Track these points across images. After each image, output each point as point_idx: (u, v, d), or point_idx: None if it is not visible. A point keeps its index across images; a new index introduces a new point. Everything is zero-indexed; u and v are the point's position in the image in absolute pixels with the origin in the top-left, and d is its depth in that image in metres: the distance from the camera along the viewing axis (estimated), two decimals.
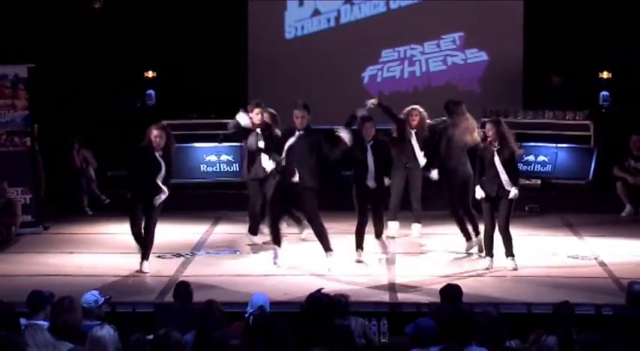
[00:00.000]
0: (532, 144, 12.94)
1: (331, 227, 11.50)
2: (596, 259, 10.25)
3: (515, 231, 10.25)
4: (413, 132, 11.01)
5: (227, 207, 12.21)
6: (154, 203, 9.54)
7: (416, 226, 11.18)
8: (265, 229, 10.44)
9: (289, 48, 14.72)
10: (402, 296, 8.93)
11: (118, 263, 10.10)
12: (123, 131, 13.67)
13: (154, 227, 9.71)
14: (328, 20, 14.76)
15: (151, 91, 14.10)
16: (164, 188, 9.56)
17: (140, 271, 9.67)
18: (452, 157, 10.41)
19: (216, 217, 11.91)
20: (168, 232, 11.29)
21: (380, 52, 14.67)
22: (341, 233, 11.09)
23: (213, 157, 13.17)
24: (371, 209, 10.08)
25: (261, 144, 10.36)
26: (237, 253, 10.60)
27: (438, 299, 7.48)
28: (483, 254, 9.98)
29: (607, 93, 13.66)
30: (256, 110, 10.50)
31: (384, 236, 10.19)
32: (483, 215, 9.80)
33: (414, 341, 6.25)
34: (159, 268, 9.92)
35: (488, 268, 9.73)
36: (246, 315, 7.22)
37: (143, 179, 9.63)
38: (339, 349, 6.43)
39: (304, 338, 6.48)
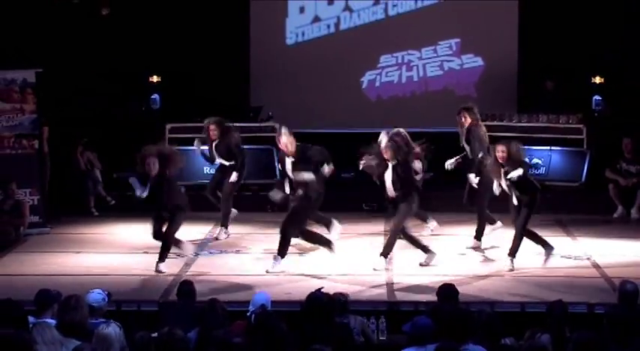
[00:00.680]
0: (526, 147, 12.89)
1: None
2: (588, 259, 10.29)
3: (510, 232, 10.40)
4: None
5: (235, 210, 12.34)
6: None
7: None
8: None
9: (290, 53, 14.80)
10: (400, 295, 8.99)
11: (123, 263, 10.19)
12: (128, 134, 13.84)
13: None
14: (328, 26, 14.85)
15: (156, 96, 14.15)
16: None
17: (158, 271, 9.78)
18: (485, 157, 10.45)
19: (219, 218, 12.03)
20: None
21: (378, 57, 14.75)
22: (340, 234, 11.33)
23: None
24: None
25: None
26: (240, 253, 10.67)
27: (435, 298, 7.52)
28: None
29: (599, 97, 13.67)
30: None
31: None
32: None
33: (412, 339, 6.32)
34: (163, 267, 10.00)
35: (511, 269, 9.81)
36: (248, 314, 7.34)
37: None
38: (338, 347, 6.43)
39: (304, 336, 6.54)
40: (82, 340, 6.28)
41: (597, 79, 13.83)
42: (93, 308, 6.98)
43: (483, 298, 8.77)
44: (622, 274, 9.19)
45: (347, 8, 14.82)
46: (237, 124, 13.49)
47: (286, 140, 9.90)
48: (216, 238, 11.25)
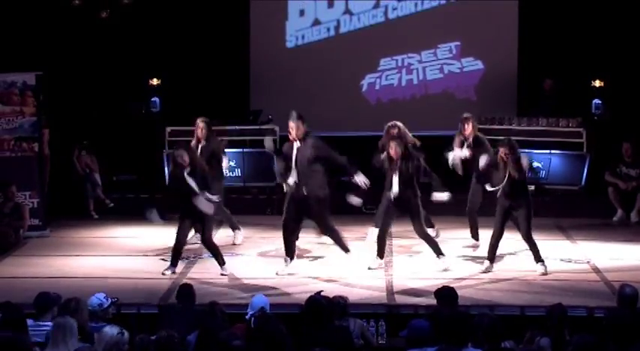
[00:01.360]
0: (526, 150, 12.94)
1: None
2: (588, 262, 10.30)
3: (509, 235, 10.38)
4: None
5: (229, 211, 12.36)
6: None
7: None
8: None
9: (290, 56, 14.83)
10: (399, 298, 8.99)
11: (123, 265, 10.20)
12: (128, 137, 13.89)
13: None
14: (328, 29, 14.89)
15: (156, 99, 14.18)
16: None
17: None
18: None
19: (219, 221, 12.02)
20: (172, 236, 11.47)
21: (378, 60, 14.77)
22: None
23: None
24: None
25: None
26: (239, 255, 10.68)
27: (434, 302, 7.55)
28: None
29: (599, 101, 13.69)
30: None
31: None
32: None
33: (410, 342, 6.33)
34: (163, 270, 10.01)
35: (486, 271, 9.85)
36: (247, 316, 7.34)
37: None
38: (338, 350, 6.49)
39: (304, 339, 6.55)
40: (82, 343, 6.35)
41: (597, 83, 13.85)
42: (92, 312, 7.02)
43: (483, 302, 8.78)
44: (621, 277, 9.20)
45: (347, 11, 14.87)
46: (238, 127, 13.57)
47: (292, 124, 9.74)
48: (234, 243, 11.19)
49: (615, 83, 13.91)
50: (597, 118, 13.70)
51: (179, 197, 9.77)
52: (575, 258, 10.52)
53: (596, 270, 10.02)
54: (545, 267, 9.81)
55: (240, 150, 13.29)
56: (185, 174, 9.69)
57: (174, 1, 14.43)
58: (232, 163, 13.27)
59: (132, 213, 12.01)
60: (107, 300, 7.29)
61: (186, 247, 10.68)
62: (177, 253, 9.89)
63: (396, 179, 9.76)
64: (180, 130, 13.26)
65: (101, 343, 6.25)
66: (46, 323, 6.96)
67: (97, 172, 13.10)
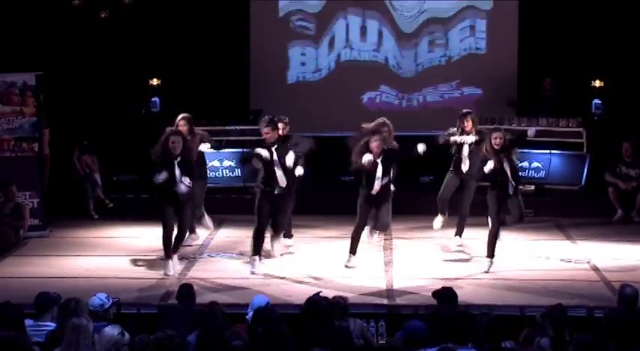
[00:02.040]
0: (526, 150, 12.96)
1: (328, 231, 11.77)
2: (588, 262, 10.31)
3: (509, 235, 10.40)
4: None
5: (229, 211, 12.34)
6: None
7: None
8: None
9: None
10: (399, 298, 9.01)
11: (123, 266, 10.20)
12: (128, 137, 13.89)
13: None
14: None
15: (156, 99, 14.15)
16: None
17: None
18: None
19: (219, 221, 11.98)
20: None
21: (379, 85, 14.79)
22: (340, 237, 11.37)
23: (216, 163, 13.27)
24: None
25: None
26: (239, 255, 10.66)
27: (434, 302, 7.54)
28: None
29: (599, 101, 13.67)
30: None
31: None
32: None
33: (407, 343, 6.35)
34: (163, 270, 10.02)
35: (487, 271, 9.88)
36: (247, 316, 7.37)
37: None
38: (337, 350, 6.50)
39: (303, 340, 6.57)
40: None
41: (597, 83, 13.84)
42: (92, 312, 7.01)
43: (483, 301, 8.79)
44: (622, 277, 9.22)
45: (347, 46, 14.87)
46: (238, 127, 13.58)
47: (265, 129, 9.91)
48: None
49: (615, 83, 13.90)
50: (597, 118, 13.68)
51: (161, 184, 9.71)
52: (575, 258, 10.52)
53: (596, 270, 10.02)
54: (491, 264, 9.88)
55: (240, 150, 13.28)
56: (175, 162, 9.69)
57: (174, 2, 14.43)
58: (232, 163, 13.29)
59: (132, 213, 12.01)
60: (109, 300, 7.29)
61: (187, 247, 10.73)
62: (168, 241, 9.83)
63: (378, 176, 9.78)
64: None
65: (102, 343, 6.26)
66: (46, 323, 6.99)
67: (97, 172, 13.11)
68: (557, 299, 7.77)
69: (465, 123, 10.75)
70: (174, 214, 9.83)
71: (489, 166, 9.80)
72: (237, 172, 13.41)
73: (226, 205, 12.56)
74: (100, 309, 7.15)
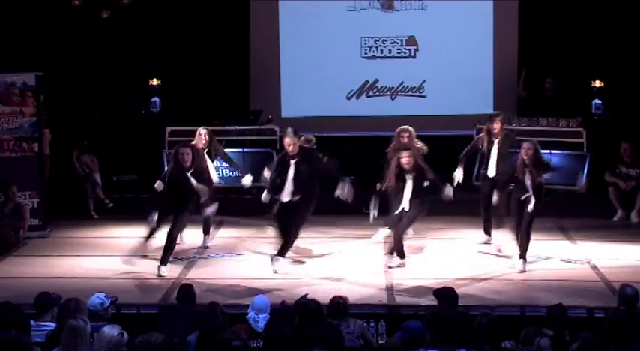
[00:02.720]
0: None
1: (329, 232, 11.77)
2: (588, 262, 10.32)
3: (509, 235, 10.38)
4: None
5: (229, 211, 12.37)
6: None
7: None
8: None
9: (290, 57, 14.84)
10: (399, 298, 9.02)
11: (122, 265, 10.14)
12: (128, 137, 13.90)
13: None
14: None
15: (156, 99, 14.14)
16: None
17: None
18: None
19: (219, 221, 11.99)
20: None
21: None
22: (340, 237, 11.35)
23: (216, 163, 13.32)
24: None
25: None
26: (240, 256, 10.70)
27: (434, 302, 7.55)
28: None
29: (599, 101, 13.66)
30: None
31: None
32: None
33: (406, 344, 6.35)
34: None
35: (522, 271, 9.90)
36: (247, 316, 7.35)
37: None
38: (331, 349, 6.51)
39: (298, 339, 6.60)
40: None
41: (597, 83, 13.84)
42: (93, 312, 7.00)
43: (483, 302, 8.80)
44: (622, 277, 9.22)
45: None
46: (238, 127, 13.58)
47: (289, 141, 9.90)
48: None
49: (615, 83, 13.90)
50: (597, 118, 13.68)
51: (174, 196, 9.77)
52: (575, 258, 10.53)
53: (596, 270, 10.03)
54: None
55: (241, 150, 13.29)
56: (188, 174, 9.72)
57: (174, 2, 14.44)
58: None
59: (132, 213, 12.02)
60: (108, 299, 7.29)
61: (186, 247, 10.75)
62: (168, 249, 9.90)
63: (407, 193, 9.82)
64: (180, 130, 13.25)
65: (101, 344, 6.24)
66: (46, 323, 6.99)
67: (97, 172, 13.13)
68: (557, 299, 7.74)
69: (494, 125, 10.73)
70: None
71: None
72: (238, 173, 13.40)
73: (226, 205, 12.55)
74: (100, 308, 7.14)
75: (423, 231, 11.45)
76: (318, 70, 14.72)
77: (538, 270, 10.02)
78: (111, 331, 6.28)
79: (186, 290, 7.87)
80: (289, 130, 10.05)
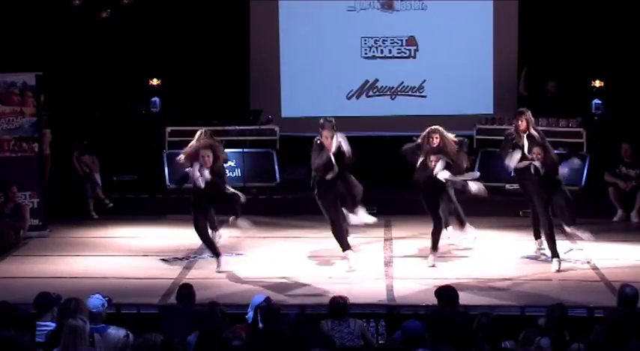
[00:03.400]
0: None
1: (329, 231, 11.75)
2: (588, 262, 10.31)
3: (509, 235, 10.39)
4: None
5: (229, 211, 12.37)
6: None
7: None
8: None
9: (289, 57, 14.86)
10: (399, 298, 9.02)
11: (122, 266, 10.21)
12: (128, 137, 13.90)
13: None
14: None
15: (156, 99, 14.12)
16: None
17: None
18: None
19: (219, 221, 12.07)
20: (172, 236, 11.49)
21: None
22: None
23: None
24: None
25: None
26: (240, 256, 10.71)
27: (434, 301, 7.57)
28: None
29: (599, 101, 13.65)
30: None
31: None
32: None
33: (405, 344, 6.36)
34: (163, 270, 10.05)
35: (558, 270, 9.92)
36: (247, 316, 7.42)
37: None
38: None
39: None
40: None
41: (597, 83, 13.83)
42: (93, 313, 7.00)
43: (483, 302, 8.80)
44: (622, 277, 9.23)
45: None
46: (238, 127, 13.59)
47: (327, 134, 9.98)
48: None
49: (615, 83, 13.91)
50: (597, 118, 13.68)
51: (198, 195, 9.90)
52: (575, 258, 10.52)
53: (596, 270, 10.03)
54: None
55: (240, 150, 13.30)
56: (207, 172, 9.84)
57: (174, 2, 14.45)
58: (232, 163, 13.30)
59: (132, 213, 12.02)
60: (105, 300, 7.28)
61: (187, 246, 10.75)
62: (210, 243, 10.04)
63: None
64: (180, 130, 13.26)
65: (107, 346, 6.27)
66: (46, 323, 7.00)
67: (97, 172, 13.13)
68: (557, 299, 7.75)
69: (520, 122, 10.63)
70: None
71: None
72: (238, 173, 13.43)
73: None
74: (102, 309, 7.15)
75: (424, 231, 11.44)
76: (318, 70, 14.75)
77: (537, 270, 10.02)
78: (117, 333, 6.34)
79: (186, 290, 7.88)
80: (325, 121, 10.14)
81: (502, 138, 10.94)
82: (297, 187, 12.95)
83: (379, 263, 10.33)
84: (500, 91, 14.47)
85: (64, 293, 7.40)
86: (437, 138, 10.13)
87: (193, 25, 14.42)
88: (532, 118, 10.69)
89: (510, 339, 6.77)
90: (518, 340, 6.77)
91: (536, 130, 10.66)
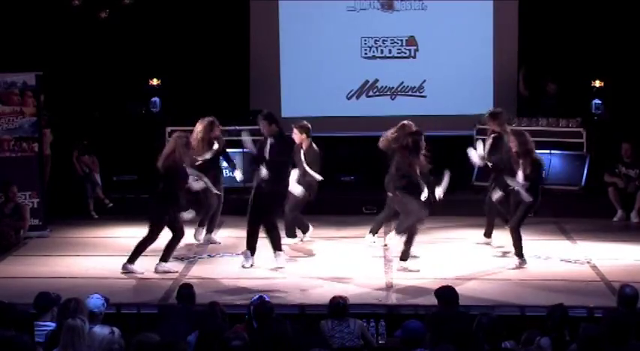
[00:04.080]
0: None
1: (329, 232, 11.76)
2: (588, 262, 10.32)
3: (509, 235, 10.37)
4: None
5: (229, 211, 12.36)
6: None
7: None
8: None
9: (289, 57, 14.87)
10: (399, 298, 9.03)
11: (122, 265, 10.19)
12: (128, 137, 13.90)
13: None
14: None
15: (156, 99, 14.15)
16: None
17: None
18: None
19: (219, 222, 12.06)
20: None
21: None
22: (340, 237, 11.34)
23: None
24: None
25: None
26: (239, 255, 10.63)
27: (434, 301, 7.57)
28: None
29: (599, 101, 13.67)
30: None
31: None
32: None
33: (405, 344, 6.35)
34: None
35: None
36: (246, 316, 7.39)
37: None
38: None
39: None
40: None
41: (597, 84, 13.85)
42: (93, 314, 7.00)
43: (483, 302, 8.80)
44: (621, 277, 9.24)
45: None
46: (238, 127, 13.58)
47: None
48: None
49: (615, 83, 13.92)
50: (597, 118, 13.69)
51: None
52: (575, 258, 10.53)
53: (596, 270, 10.03)
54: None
55: (240, 150, 13.28)
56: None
57: (174, 2, 14.45)
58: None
59: (132, 213, 12.02)
60: (104, 300, 7.29)
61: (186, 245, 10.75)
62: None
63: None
64: (180, 130, 13.23)
65: (94, 345, 6.25)
66: (46, 323, 6.99)
67: (97, 172, 13.14)
68: (557, 299, 7.73)
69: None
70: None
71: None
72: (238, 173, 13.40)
73: (226, 205, 12.55)
74: (102, 309, 7.16)
75: (424, 231, 11.43)
76: (318, 70, 14.75)
77: (538, 270, 10.02)
78: (101, 331, 6.31)
79: (186, 290, 7.88)
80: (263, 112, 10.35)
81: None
82: None
83: (379, 263, 10.32)
84: (500, 91, 14.47)
85: (64, 293, 7.39)
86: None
87: (193, 25, 14.42)
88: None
89: (510, 339, 6.77)
90: (518, 340, 6.78)
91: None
